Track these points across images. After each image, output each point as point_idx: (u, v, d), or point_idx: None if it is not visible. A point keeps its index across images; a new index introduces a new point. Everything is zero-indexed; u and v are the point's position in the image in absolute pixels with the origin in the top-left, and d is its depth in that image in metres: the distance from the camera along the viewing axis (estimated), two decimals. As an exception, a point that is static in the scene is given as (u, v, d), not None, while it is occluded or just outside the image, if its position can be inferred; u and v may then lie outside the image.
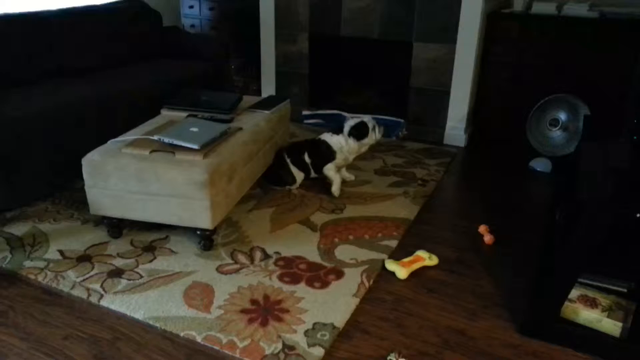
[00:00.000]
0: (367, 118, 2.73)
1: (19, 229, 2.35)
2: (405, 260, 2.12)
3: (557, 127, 3.17)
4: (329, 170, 2.73)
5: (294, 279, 2.02)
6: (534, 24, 3.35)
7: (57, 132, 2.60)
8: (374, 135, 2.71)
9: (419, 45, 3.52)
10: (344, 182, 2.92)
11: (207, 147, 2.17)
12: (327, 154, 2.72)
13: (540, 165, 3.24)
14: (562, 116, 3.15)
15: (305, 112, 4.04)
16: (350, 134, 2.69)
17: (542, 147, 3.23)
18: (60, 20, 3.23)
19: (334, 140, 2.72)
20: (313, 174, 2.80)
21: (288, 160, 2.75)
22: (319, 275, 2.05)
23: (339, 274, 2.06)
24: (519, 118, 3.50)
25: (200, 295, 1.91)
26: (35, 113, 2.50)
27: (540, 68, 3.40)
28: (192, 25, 4.61)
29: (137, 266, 2.08)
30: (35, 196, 2.59)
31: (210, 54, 3.83)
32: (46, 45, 3.12)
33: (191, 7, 4.54)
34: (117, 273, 2.03)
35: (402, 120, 3.76)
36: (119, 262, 2.11)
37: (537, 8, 3.42)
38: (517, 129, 3.53)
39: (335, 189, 2.71)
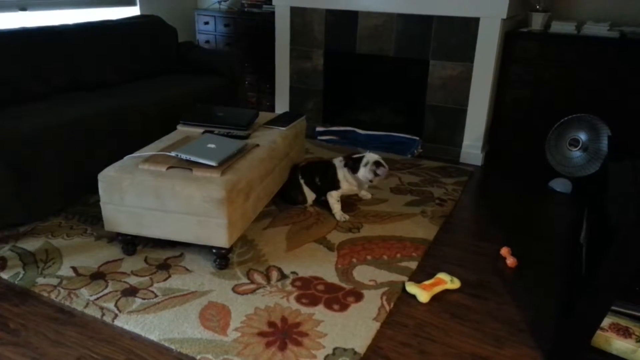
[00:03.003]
0: (371, 155, 2.59)
1: (31, 245, 2.32)
2: (427, 283, 2.06)
3: (577, 148, 3.11)
4: (330, 197, 2.67)
5: (312, 301, 1.96)
6: (553, 44, 3.32)
7: (71, 147, 2.58)
8: (365, 172, 2.55)
9: (435, 63, 3.49)
10: (360, 201, 2.87)
11: (224, 164, 2.13)
12: (332, 180, 2.66)
13: (560, 185, 3.18)
14: (583, 136, 3.10)
15: (319, 129, 4.01)
16: (346, 164, 2.62)
17: (562, 167, 3.17)
18: (77, 35, 3.23)
19: (340, 167, 2.65)
20: (323, 197, 2.74)
21: (302, 181, 2.71)
22: (338, 297, 1.99)
23: (358, 296, 2.00)
24: (537, 137, 3.46)
25: (216, 316, 1.86)
26: (49, 127, 2.48)
27: (559, 87, 3.36)
28: (207, 41, 4.63)
29: (151, 285, 2.03)
30: (48, 211, 2.56)
31: (225, 70, 3.82)
32: (62, 60, 3.12)
33: (206, 23, 4.56)
34: (131, 292, 1.99)
35: (417, 139, 3.72)
36: (133, 280, 2.06)
37: (556, 27, 3.39)
38: (535, 149, 3.48)
39: (337, 215, 2.65)
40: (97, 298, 1.95)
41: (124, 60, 3.50)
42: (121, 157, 2.28)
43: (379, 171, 2.56)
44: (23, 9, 3.44)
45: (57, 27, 3.18)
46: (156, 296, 1.96)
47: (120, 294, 1.98)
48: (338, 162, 2.69)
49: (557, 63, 3.33)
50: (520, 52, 3.41)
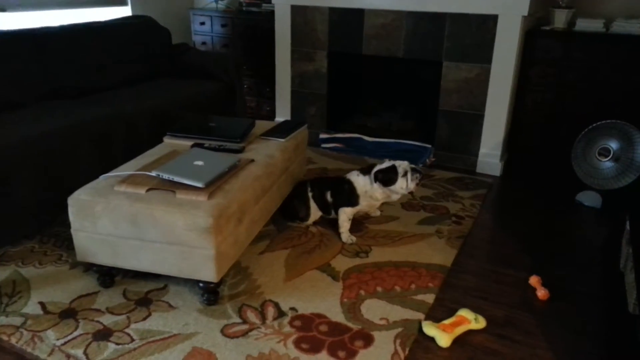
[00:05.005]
0: (403, 163, 2.31)
1: (-2, 275, 2.06)
2: (447, 322, 1.78)
3: (608, 158, 2.81)
4: (343, 213, 2.37)
5: (314, 346, 1.68)
6: (578, 43, 3.02)
7: (49, 161, 2.32)
8: (404, 184, 2.27)
9: (449, 64, 3.20)
10: (368, 218, 2.59)
11: (213, 185, 1.86)
12: (349, 195, 2.37)
13: (589, 199, 2.88)
14: (614, 145, 2.80)
15: (322, 136, 3.73)
16: (376, 177, 2.32)
17: (590, 179, 2.87)
18: (60, 38, 2.98)
19: (360, 181, 2.36)
20: (333, 215, 2.46)
21: (310, 195, 2.44)
22: (344, 341, 1.71)
23: (368, 340, 1.71)
24: (561, 146, 3.16)
25: (200, 367, 1.58)
26: (23, 140, 2.23)
27: (585, 91, 3.06)
28: (204, 43, 4.36)
29: (128, 325, 1.76)
30: (21, 234, 2.30)
31: (222, 73, 3.55)
32: (43, 66, 2.86)
33: (202, 23, 4.30)
34: (104, 334, 1.71)
35: (429, 146, 3.43)
36: (107, 320, 1.79)
37: (582, 25, 3.10)
38: (559, 158, 3.18)
39: (344, 237, 2.36)
40: (65, 343, 1.67)
41: (111, 65, 3.24)
42: (106, 172, 2.01)
43: (420, 177, 2.31)
44: (2, 9, 3.18)
45: (37, 30, 2.93)
46: (132, 340, 1.69)
47: (91, 337, 1.70)
48: (354, 176, 2.39)
49: (583, 64, 3.03)
50: (542, 52, 3.12)
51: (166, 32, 3.71)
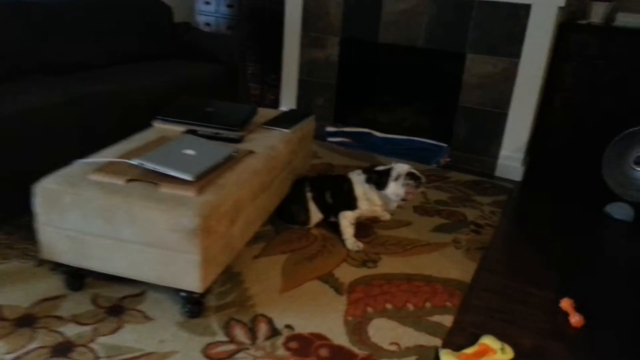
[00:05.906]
0: (400, 165, 2.08)
1: (-47, 269, 1.80)
2: (469, 351, 1.52)
3: (645, 167, 2.54)
4: (344, 218, 2.12)
5: (312, 375, 1.42)
6: (617, 40, 2.74)
7: (24, 142, 2.06)
8: (396, 188, 2.04)
9: (473, 57, 2.92)
10: (377, 222, 2.33)
11: (204, 179, 1.59)
12: (347, 198, 2.13)
13: (619, 212, 2.62)
14: (652, 153, 2.53)
15: (329, 129, 3.47)
16: (370, 179, 2.09)
17: (622, 189, 2.61)
18: (49, 8, 2.71)
19: (360, 181, 2.13)
20: (333, 218, 2.21)
21: (308, 195, 2.17)
22: (347, 370, 1.45)
23: (375, 370, 1.46)
24: (591, 152, 2.88)
25: (175, 395, 1.32)
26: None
27: (622, 92, 2.78)
28: (207, 24, 4.09)
29: (93, 339, 1.50)
30: (-12, 222, 2.04)
31: (224, 56, 3.29)
32: (29, 38, 2.59)
33: (207, 3, 4.02)
34: (65, 349, 1.46)
35: (444, 145, 3.16)
36: (70, 331, 1.53)
37: (622, 20, 2.81)
38: (587, 165, 2.91)
39: (349, 243, 2.10)
40: (16, 358, 1.42)
41: (105, 41, 2.97)
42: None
43: (415, 184, 2.05)
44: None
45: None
46: (97, 358, 1.43)
47: (49, 352, 1.44)
48: (356, 175, 2.16)
49: (622, 63, 2.75)
50: (577, 48, 2.84)
51: (167, 10, 3.44)
